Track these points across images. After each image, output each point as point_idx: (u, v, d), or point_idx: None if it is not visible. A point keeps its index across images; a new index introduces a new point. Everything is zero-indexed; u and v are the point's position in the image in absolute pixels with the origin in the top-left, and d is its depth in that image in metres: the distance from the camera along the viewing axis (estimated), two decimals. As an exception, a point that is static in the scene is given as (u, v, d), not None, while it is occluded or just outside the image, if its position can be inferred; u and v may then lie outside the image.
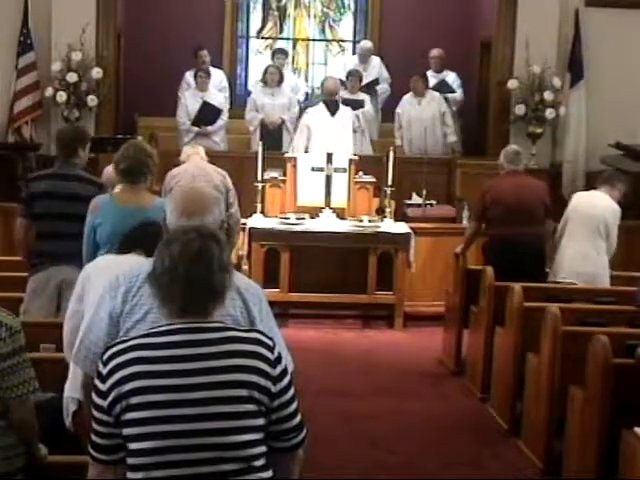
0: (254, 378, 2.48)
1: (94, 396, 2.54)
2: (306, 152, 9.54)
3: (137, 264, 3.25)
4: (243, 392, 2.46)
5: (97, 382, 2.54)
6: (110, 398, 2.48)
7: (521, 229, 7.09)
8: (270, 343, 2.56)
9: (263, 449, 2.51)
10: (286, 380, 2.55)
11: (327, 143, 9.49)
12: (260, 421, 2.49)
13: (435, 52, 11.47)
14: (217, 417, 2.44)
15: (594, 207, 7.09)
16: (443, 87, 11.27)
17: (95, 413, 2.54)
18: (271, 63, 11.46)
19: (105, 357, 2.54)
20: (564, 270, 7.03)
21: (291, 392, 2.57)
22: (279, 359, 2.55)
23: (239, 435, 2.45)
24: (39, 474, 3.38)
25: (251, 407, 2.47)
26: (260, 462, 2.50)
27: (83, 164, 6.00)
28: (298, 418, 2.59)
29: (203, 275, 2.52)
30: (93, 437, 2.57)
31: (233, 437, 2.44)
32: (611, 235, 7.06)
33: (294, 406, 2.58)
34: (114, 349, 2.55)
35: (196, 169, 7.40)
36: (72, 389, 3.88)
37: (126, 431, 2.48)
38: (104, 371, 2.52)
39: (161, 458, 2.44)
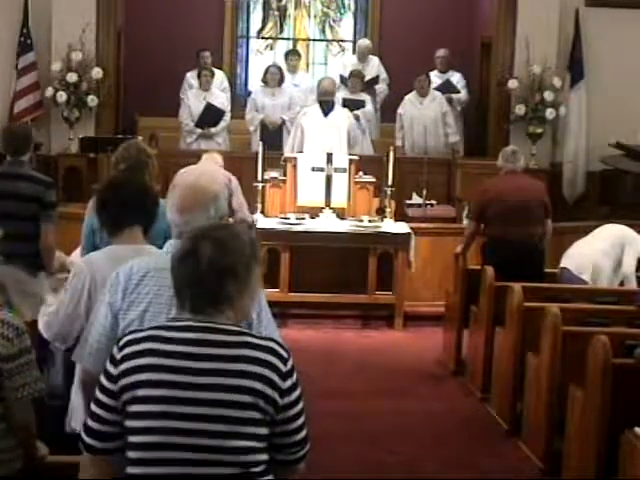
0: (261, 387, 2.44)
1: (102, 379, 2.52)
2: (299, 152, 9.55)
3: (138, 260, 3.23)
4: (248, 399, 2.43)
5: (109, 365, 2.52)
6: (120, 384, 2.47)
7: (520, 229, 7.09)
8: (285, 355, 2.51)
9: (264, 457, 2.48)
10: (295, 394, 2.50)
11: (320, 143, 9.49)
12: (263, 430, 2.45)
13: (441, 52, 11.50)
14: (219, 420, 2.41)
15: None
16: (448, 87, 11.28)
17: (100, 396, 2.52)
18: (272, 63, 11.49)
19: (122, 342, 2.53)
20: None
21: (299, 407, 2.52)
22: (291, 372, 2.50)
23: (239, 440, 2.42)
24: (39, 474, 3.38)
25: (254, 414, 2.43)
26: (259, 469, 2.46)
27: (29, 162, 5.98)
28: (303, 433, 2.54)
29: (221, 274, 2.48)
30: (89, 422, 2.54)
31: (232, 442, 2.41)
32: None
33: (300, 421, 2.53)
34: (131, 336, 2.53)
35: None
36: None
37: (128, 423, 2.47)
38: (118, 356, 2.50)
39: (158, 454, 2.43)
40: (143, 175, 5.07)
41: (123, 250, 3.64)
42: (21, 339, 3.21)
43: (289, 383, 2.48)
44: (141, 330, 2.57)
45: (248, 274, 2.53)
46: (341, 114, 9.93)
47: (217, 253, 2.48)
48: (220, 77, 11.67)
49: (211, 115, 10.74)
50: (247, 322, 3.04)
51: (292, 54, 11.85)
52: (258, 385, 2.43)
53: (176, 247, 3.11)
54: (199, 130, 10.74)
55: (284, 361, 2.49)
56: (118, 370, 2.49)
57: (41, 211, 5.71)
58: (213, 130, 10.78)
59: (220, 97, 11.01)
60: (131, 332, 2.58)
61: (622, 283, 6.96)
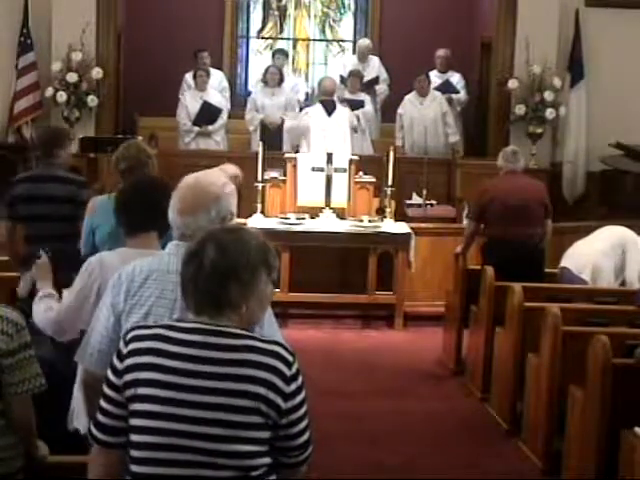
0: (264, 391, 2.41)
1: (109, 373, 2.52)
2: (299, 152, 9.56)
3: (140, 262, 3.22)
4: (249, 403, 2.41)
5: (115, 360, 2.52)
6: (124, 380, 2.47)
7: (520, 229, 7.10)
8: (290, 359, 2.48)
9: (265, 461, 2.46)
10: (299, 398, 2.48)
11: (324, 143, 9.51)
12: (264, 434, 2.43)
13: (441, 52, 11.50)
14: (219, 424, 2.40)
15: None
16: (447, 87, 11.28)
17: (107, 391, 2.52)
18: (271, 63, 11.49)
19: (128, 337, 2.52)
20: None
21: (302, 410, 2.49)
22: (296, 376, 2.47)
23: (237, 445, 2.40)
24: (40, 474, 3.38)
25: (255, 419, 2.42)
26: (258, 472, 2.45)
27: (65, 163, 5.99)
28: (306, 436, 2.53)
29: (226, 277, 2.46)
30: (98, 416, 2.54)
31: (231, 446, 2.40)
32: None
33: (303, 424, 2.51)
34: (138, 332, 2.53)
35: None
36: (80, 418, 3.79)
37: (130, 421, 2.47)
38: (124, 350, 2.50)
39: (158, 454, 2.42)
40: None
41: (136, 254, 3.56)
42: (21, 334, 3.22)
43: (293, 387, 2.46)
44: (149, 327, 2.56)
45: (253, 279, 2.49)
46: (343, 113, 9.95)
47: (219, 256, 2.47)
48: (219, 77, 11.69)
49: (208, 113, 10.76)
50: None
51: (279, 53, 11.85)
52: (261, 390, 2.42)
53: (177, 249, 3.11)
54: (197, 128, 10.76)
55: (289, 365, 2.47)
56: (123, 365, 2.49)
57: (76, 211, 5.71)
58: (210, 128, 10.79)
59: (217, 97, 11.03)
60: (139, 327, 2.57)
61: (622, 285, 6.95)
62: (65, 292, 3.95)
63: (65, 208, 5.69)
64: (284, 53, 12.02)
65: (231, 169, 7.20)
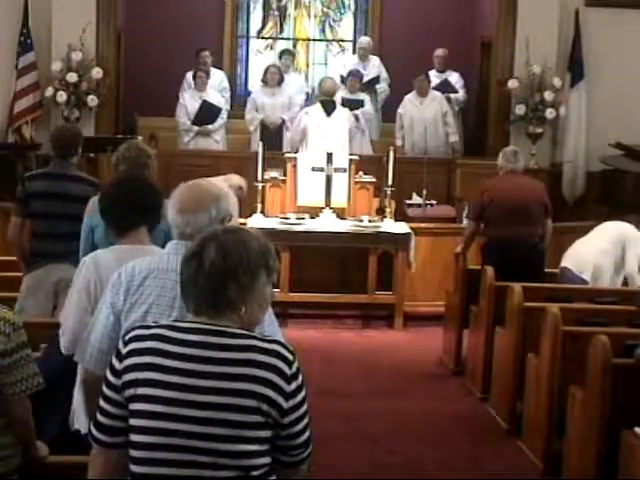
0: (265, 391, 2.41)
1: (108, 373, 2.52)
2: (297, 151, 9.55)
3: (140, 261, 3.22)
4: (251, 402, 2.40)
5: (114, 360, 2.51)
6: (123, 380, 2.47)
7: (520, 229, 7.09)
8: (290, 357, 2.47)
9: (265, 460, 2.46)
10: (300, 396, 2.48)
11: (323, 143, 9.51)
12: (266, 433, 2.43)
13: (440, 52, 11.52)
14: (219, 423, 2.39)
15: None
16: (446, 87, 11.29)
17: (106, 391, 2.52)
18: (272, 63, 11.50)
19: (127, 337, 2.52)
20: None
21: (303, 409, 2.49)
22: (296, 375, 2.47)
23: (239, 444, 2.40)
24: (39, 474, 3.38)
25: (257, 418, 2.41)
26: (259, 472, 2.44)
27: (77, 163, 6.02)
28: (306, 435, 2.52)
29: (223, 277, 2.46)
30: (98, 416, 2.54)
31: (232, 445, 2.40)
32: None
33: (304, 423, 2.50)
34: (138, 332, 2.52)
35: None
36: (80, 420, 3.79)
37: (130, 421, 2.47)
38: (123, 350, 2.50)
39: (158, 455, 2.42)
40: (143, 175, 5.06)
41: (131, 251, 3.58)
42: (18, 334, 3.22)
43: (294, 386, 2.46)
44: (148, 327, 2.56)
45: (253, 281, 2.49)
46: (343, 114, 9.95)
47: (220, 256, 2.46)
48: (220, 77, 11.69)
49: (208, 113, 10.75)
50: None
51: (286, 53, 11.88)
52: (262, 389, 2.41)
53: (176, 248, 3.12)
54: (196, 128, 10.76)
55: (289, 364, 2.46)
56: (122, 365, 2.48)
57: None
58: (210, 127, 10.79)
59: (216, 97, 11.03)
60: (139, 327, 2.57)
61: (625, 282, 6.96)
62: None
63: (78, 207, 5.71)
64: (291, 54, 12.05)
65: (236, 180, 7.18)
